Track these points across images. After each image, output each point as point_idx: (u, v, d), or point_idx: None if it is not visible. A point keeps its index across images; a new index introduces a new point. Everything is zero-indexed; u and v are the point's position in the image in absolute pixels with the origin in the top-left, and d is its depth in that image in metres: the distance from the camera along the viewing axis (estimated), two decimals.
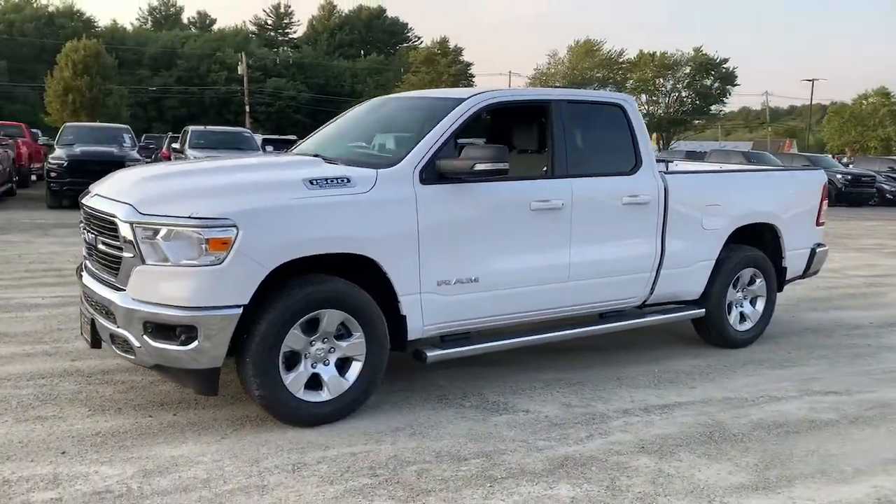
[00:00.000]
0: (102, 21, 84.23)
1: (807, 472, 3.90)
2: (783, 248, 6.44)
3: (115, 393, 4.76)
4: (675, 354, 6.09)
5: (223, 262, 3.88)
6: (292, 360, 4.23)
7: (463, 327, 4.87)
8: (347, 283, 4.30)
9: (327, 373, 4.34)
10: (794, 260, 6.59)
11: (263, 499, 3.41)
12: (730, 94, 62.17)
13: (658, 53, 60.92)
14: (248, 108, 56.60)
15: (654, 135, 57.01)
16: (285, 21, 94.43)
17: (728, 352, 6.18)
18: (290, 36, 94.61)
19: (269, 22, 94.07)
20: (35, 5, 77.09)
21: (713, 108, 62.91)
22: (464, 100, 4.93)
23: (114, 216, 4.09)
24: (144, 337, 3.97)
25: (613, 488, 3.64)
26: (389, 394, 4.87)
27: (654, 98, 61.89)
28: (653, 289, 5.69)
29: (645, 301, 5.75)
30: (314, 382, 4.32)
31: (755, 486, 3.72)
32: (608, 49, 70.22)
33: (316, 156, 5.02)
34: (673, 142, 61.28)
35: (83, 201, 4.67)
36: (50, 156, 17.16)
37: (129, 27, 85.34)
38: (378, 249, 4.35)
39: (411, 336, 4.61)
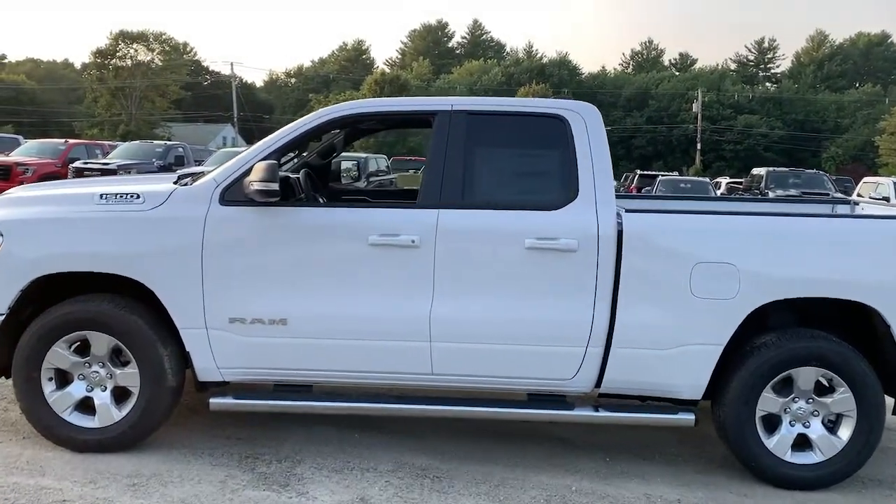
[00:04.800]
0: (590, 68, 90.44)
1: None
2: None
3: None
4: (680, 478, 4.20)
5: None
6: (63, 378, 4.11)
7: (275, 377, 4.14)
8: (116, 305, 4.01)
9: (100, 399, 4.11)
10: None
11: None
12: None
13: None
14: (699, 146, 55.17)
15: None
16: (768, 56, 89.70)
17: (766, 490, 4.04)
18: (773, 71, 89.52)
19: (751, 58, 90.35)
20: (534, 59, 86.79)
21: None
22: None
23: None
24: None
25: None
26: (202, 439, 4.36)
27: None
28: (602, 372, 4.03)
29: (597, 387, 4.11)
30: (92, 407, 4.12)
31: None
32: None
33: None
34: None
35: None
36: None
37: (611, 72, 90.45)
38: (149, 273, 3.98)
39: (203, 377, 4.11)
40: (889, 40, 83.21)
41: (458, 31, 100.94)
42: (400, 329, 3.98)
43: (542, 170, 4.16)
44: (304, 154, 5.26)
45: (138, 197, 4.06)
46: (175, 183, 4.26)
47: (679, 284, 3.92)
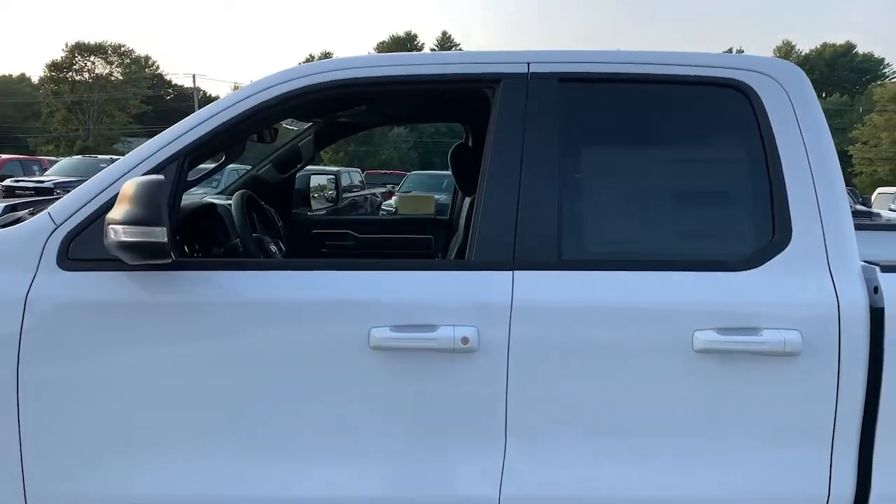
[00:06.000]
0: None
1: None
2: None
3: None
4: None
5: None
6: None
7: None
8: None
9: None
10: None
11: None
12: None
13: None
14: None
15: None
16: None
17: None
18: None
19: None
20: None
21: None
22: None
23: None
24: None
25: None
26: None
27: None
28: None
29: None
30: None
31: None
32: None
33: None
34: None
35: None
36: None
37: None
38: None
39: None
40: (854, 50, 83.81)
41: (428, 43, 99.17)
42: None
43: (713, 189, 2.13)
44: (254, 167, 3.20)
45: None
46: None
47: None
